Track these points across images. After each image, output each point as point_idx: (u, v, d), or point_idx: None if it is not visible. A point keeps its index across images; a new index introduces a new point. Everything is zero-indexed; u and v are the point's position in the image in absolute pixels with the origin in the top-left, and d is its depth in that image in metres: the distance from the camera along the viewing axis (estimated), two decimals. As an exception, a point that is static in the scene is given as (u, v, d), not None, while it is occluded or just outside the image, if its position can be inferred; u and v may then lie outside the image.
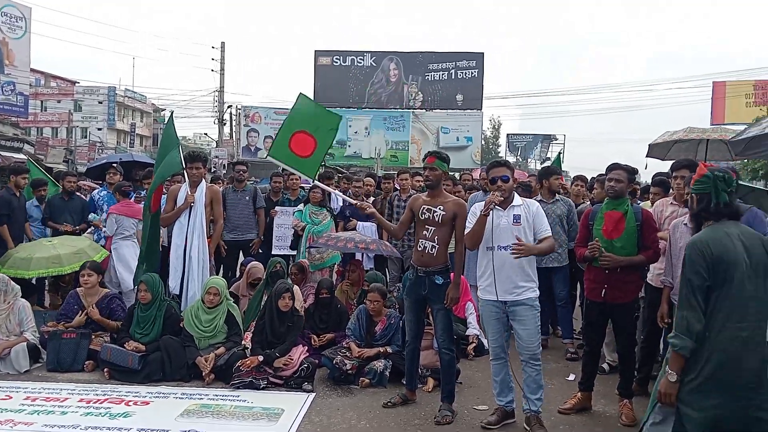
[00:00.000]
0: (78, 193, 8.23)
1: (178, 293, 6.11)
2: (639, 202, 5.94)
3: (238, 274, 7.37)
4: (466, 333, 6.20)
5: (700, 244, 2.94)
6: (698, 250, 2.92)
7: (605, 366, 5.69)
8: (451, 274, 4.62)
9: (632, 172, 4.70)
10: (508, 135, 48.57)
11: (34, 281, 7.40)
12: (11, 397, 4.82)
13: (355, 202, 5.38)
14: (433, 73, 34.14)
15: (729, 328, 2.84)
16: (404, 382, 4.96)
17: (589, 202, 6.93)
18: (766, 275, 2.90)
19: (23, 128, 37.80)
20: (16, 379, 5.30)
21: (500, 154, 57.09)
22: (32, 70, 36.13)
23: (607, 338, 5.59)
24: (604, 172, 6.38)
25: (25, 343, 5.56)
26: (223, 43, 34.16)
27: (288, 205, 7.96)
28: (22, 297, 5.92)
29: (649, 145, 9.35)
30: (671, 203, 5.05)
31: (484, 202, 4.26)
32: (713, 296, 2.88)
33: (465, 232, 4.40)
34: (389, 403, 4.78)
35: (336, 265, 7.67)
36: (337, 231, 7.38)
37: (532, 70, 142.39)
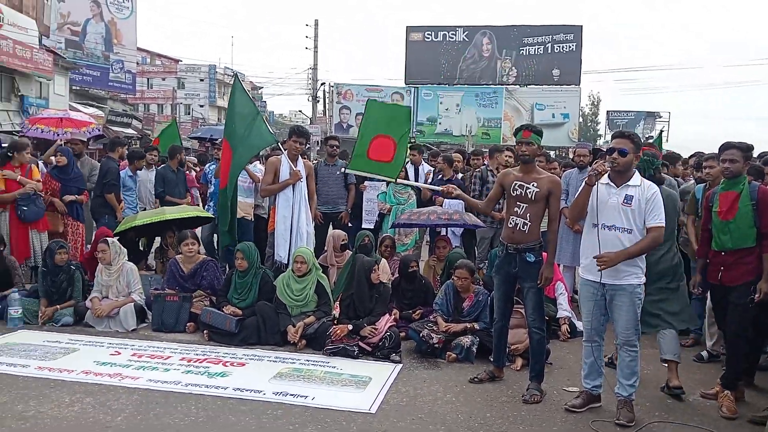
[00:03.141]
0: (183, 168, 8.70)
1: (286, 263, 6.27)
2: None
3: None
4: (558, 315, 6.05)
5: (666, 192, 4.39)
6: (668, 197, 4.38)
7: (704, 354, 5.45)
8: (544, 253, 4.52)
9: (747, 149, 4.39)
10: (608, 112, 46.73)
11: (141, 247, 7.92)
12: (120, 353, 5.18)
13: (439, 188, 5.31)
14: (528, 48, 33.21)
15: None
16: (491, 359, 4.92)
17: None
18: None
19: (131, 105, 40.19)
20: (124, 337, 5.69)
21: (599, 132, 55.03)
22: (139, 49, 38.16)
23: (708, 321, 5.34)
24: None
25: (132, 304, 5.95)
26: (316, 21, 34.70)
27: (377, 180, 8.04)
28: (131, 262, 6.33)
29: None
30: None
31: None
32: None
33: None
34: (476, 379, 4.76)
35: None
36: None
37: (633, 44, 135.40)
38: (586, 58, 46.30)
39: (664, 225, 4.06)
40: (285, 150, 6.56)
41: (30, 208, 6.77)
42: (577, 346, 4.90)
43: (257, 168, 7.84)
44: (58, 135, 9.95)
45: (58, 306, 6.01)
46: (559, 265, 6.53)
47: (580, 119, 40.23)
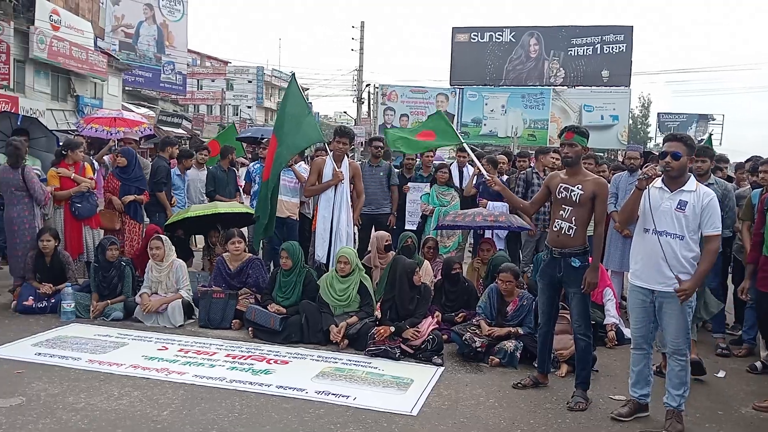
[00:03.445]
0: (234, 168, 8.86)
1: (325, 263, 6.32)
2: None
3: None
4: (605, 322, 5.92)
5: None
6: None
7: (758, 364, 5.26)
8: (590, 257, 4.43)
9: None
10: (658, 114, 45.45)
11: (195, 247, 8.09)
12: (167, 348, 5.30)
13: (487, 176, 5.28)
14: (576, 48, 32.65)
15: None
16: (536, 365, 4.84)
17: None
18: None
19: (182, 105, 41.18)
20: (172, 332, 5.82)
21: (650, 135, 53.77)
22: (189, 50, 39.04)
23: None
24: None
25: (180, 300, 6.08)
26: (362, 23, 34.83)
27: (421, 181, 8.06)
28: (180, 259, 6.47)
29: None
30: None
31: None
32: None
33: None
34: (519, 385, 4.69)
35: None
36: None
37: (686, 45, 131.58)
38: (637, 58, 45.18)
39: (720, 233, 3.94)
40: (331, 151, 6.61)
41: (83, 205, 6.98)
42: (625, 354, 4.79)
43: (302, 168, 7.91)
44: (110, 134, 10.25)
45: (108, 301, 6.19)
46: (607, 270, 6.40)
47: (630, 121, 39.36)
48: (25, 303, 6.17)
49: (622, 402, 4.33)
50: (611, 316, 5.94)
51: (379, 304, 5.77)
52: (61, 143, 8.28)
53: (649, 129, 56.09)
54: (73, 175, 7.01)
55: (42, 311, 6.17)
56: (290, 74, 7.06)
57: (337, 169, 6.40)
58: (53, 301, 6.20)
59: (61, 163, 7.08)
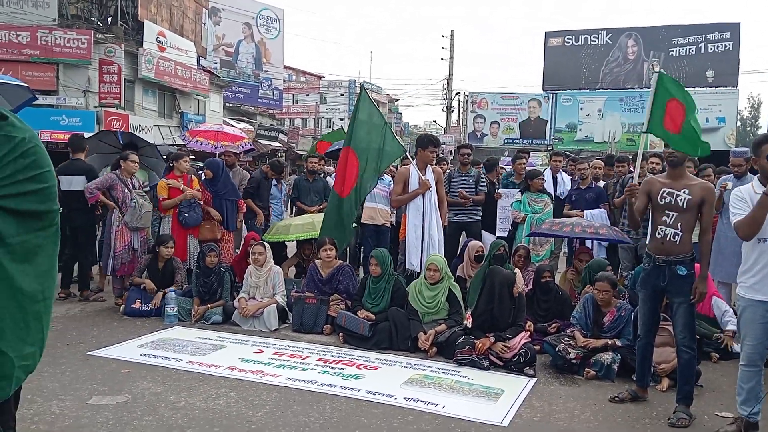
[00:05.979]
0: (320, 175, 9.06)
1: (418, 271, 6.32)
2: None
3: (458, 252, 7.46)
4: (727, 327, 5.52)
5: None
6: None
7: None
8: (697, 265, 4.17)
9: None
10: (770, 115, 42.52)
11: (287, 254, 8.33)
12: (262, 351, 5.47)
13: (636, 179, 4.70)
14: (678, 48, 31.10)
15: None
16: (634, 378, 4.61)
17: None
18: None
19: (278, 119, 42.60)
20: (267, 336, 6.00)
21: (759, 137, 50.40)
22: (285, 66, 40.35)
23: None
24: None
25: (276, 305, 6.27)
26: (452, 32, 34.78)
27: (512, 187, 7.91)
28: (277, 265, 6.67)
29: None
30: None
31: (750, 185, 3.73)
32: None
33: (736, 220, 3.80)
34: (617, 398, 4.48)
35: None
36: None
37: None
38: (745, 57, 42.44)
39: None
40: (414, 160, 6.60)
41: (190, 215, 7.30)
42: (731, 369, 4.47)
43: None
44: (216, 148, 10.81)
45: (209, 305, 6.48)
46: (714, 280, 6.01)
47: (738, 123, 36.99)
48: (132, 306, 6.57)
49: (730, 420, 4.04)
50: (733, 324, 5.54)
51: (469, 313, 5.69)
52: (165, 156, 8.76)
53: (759, 131, 52.58)
54: (182, 185, 7.34)
55: (148, 314, 6.53)
56: (360, 86, 6.99)
57: (423, 178, 6.38)
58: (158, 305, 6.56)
59: (170, 175, 7.47)
